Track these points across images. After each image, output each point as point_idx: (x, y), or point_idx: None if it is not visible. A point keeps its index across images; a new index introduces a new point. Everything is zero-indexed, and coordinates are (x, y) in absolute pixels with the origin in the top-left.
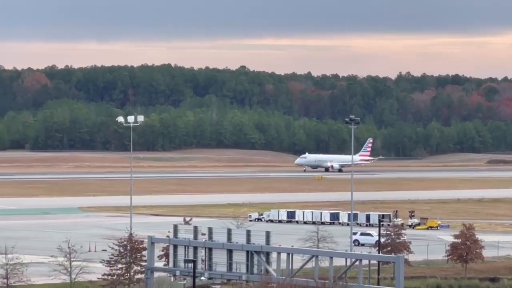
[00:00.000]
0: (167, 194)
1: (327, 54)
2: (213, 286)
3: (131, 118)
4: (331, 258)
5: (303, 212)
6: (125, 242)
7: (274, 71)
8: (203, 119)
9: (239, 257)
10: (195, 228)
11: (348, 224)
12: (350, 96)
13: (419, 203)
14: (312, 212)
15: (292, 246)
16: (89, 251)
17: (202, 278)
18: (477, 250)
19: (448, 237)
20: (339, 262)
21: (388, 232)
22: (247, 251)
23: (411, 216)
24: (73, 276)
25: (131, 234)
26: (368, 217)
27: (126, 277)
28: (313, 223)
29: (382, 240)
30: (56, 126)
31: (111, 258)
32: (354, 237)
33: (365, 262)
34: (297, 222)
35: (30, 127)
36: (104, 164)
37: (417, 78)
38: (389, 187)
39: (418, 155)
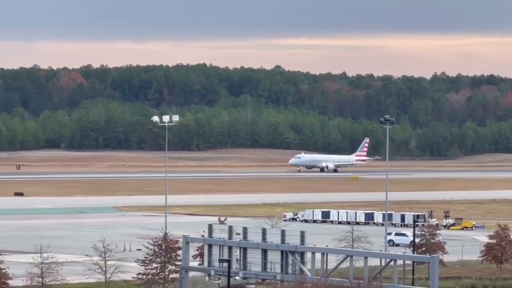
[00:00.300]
0: (202, 193)
1: (362, 54)
2: (248, 286)
3: (166, 118)
4: (366, 258)
5: (338, 212)
6: (160, 242)
7: (309, 71)
8: (238, 118)
9: (274, 257)
10: (230, 227)
11: (382, 224)
12: (385, 96)
13: (454, 203)
14: (347, 212)
15: (327, 246)
16: (124, 250)
17: (237, 277)
18: None
19: (482, 237)
20: (373, 262)
21: (423, 233)
22: (282, 251)
23: (446, 217)
24: (108, 275)
25: (166, 234)
26: (403, 217)
27: (161, 276)
28: (348, 223)
29: (417, 240)
30: (91, 125)
31: (146, 258)
32: (389, 237)
33: (399, 262)
34: (331, 222)
35: (66, 127)
36: (139, 163)
37: (452, 78)
38: (424, 188)
39: (453, 156)
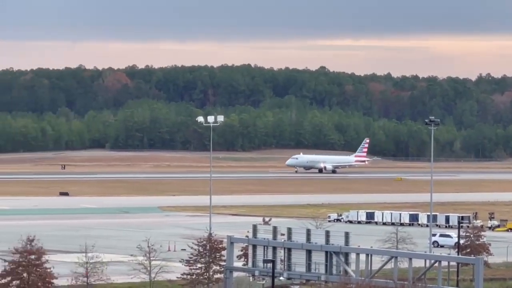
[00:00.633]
0: (246, 194)
1: (407, 55)
2: (292, 286)
3: (211, 118)
4: (410, 259)
5: (382, 213)
6: (204, 242)
7: (353, 71)
8: (282, 119)
9: (318, 258)
10: (274, 228)
11: (427, 226)
12: (430, 97)
13: (499, 205)
14: (391, 213)
15: (371, 247)
16: (169, 250)
17: (281, 278)
18: None
19: None
20: (418, 263)
21: (468, 234)
22: (326, 252)
23: (491, 218)
24: (153, 275)
25: (210, 234)
26: (447, 219)
27: (205, 276)
28: (392, 224)
29: (462, 241)
30: (136, 125)
31: (191, 258)
32: (433, 239)
33: (444, 263)
34: (376, 223)
35: (111, 127)
36: (184, 163)
37: (497, 79)
38: (469, 189)
39: (498, 157)
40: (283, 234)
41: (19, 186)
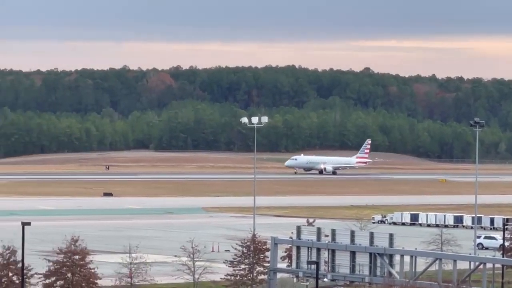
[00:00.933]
0: (290, 195)
1: (451, 57)
2: None
3: (255, 119)
4: (455, 261)
5: (427, 215)
6: (248, 243)
7: (398, 73)
8: (326, 120)
9: (362, 259)
10: (318, 229)
11: (472, 227)
12: (474, 99)
13: None
14: (436, 215)
15: (416, 248)
16: (212, 251)
17: (325, 279)
18: None
19: None
20: (462, 265)
21: None
22: (370, 253)
23: None
24: (196, 276)
25: (254, 235)
26: (492, 221)
27: (249, 277)
28: (437, 225)
29: (507, 243)
30: (180, 126)
31: (234, 259)
32: (478, 241)
33: (489, 266)
34: (420, 224)
35: (155, 127)
36: (228, 164)
37: None
38: None
39: None
40: (327, 236)
41: (63, 186)
